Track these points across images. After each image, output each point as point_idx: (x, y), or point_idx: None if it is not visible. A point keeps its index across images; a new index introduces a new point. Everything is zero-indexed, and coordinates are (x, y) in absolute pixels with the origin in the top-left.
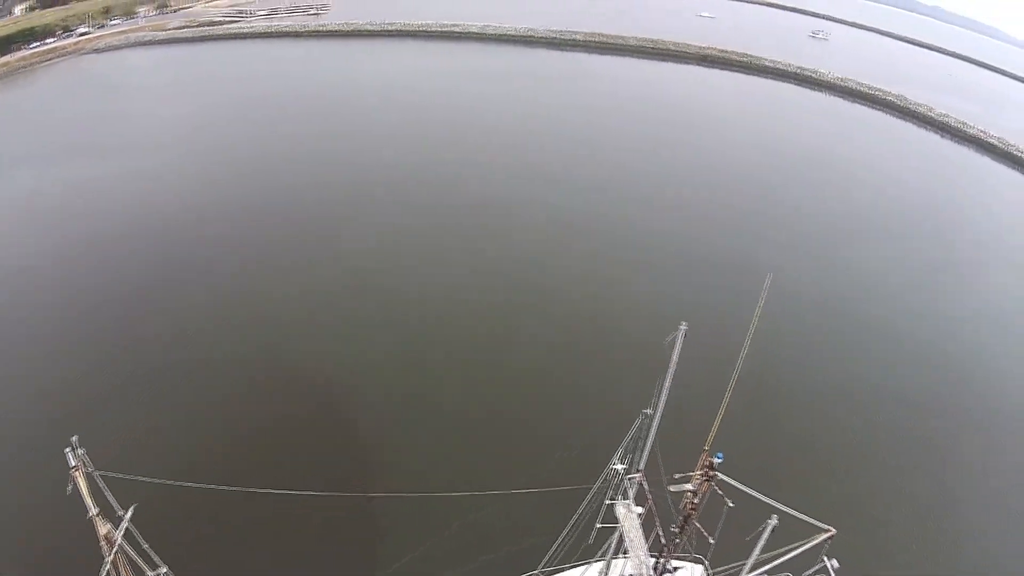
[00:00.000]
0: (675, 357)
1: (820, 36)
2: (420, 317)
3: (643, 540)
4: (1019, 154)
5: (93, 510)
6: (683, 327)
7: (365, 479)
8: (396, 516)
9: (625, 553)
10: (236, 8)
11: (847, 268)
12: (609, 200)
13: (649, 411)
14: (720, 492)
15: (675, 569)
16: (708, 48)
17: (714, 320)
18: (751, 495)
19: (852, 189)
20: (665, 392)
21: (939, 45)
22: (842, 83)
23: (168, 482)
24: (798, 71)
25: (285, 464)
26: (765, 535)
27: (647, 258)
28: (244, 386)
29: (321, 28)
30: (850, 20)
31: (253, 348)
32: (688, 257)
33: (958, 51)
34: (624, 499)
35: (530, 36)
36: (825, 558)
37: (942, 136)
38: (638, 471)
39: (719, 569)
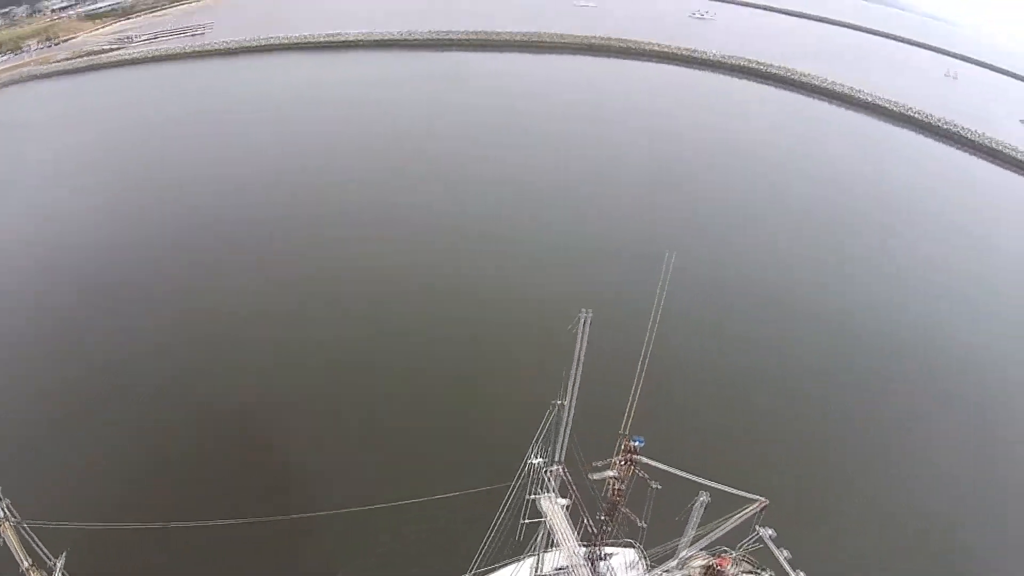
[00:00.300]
0: (580, 345)
1: (702, 15)
2: (326, 336)
3: (572, 531)
4: (913, 115)
5: (25, 563)
6: (583, 314)
7: (292, 501)
8: (325, 534)
9: (555, 546)
10: (120, 35)
11: (747, 245)
12: (505, 198)
13: (560, 401)
14: (644, 475)
15: (608, 556)
16: (590, 37)
17: (620, 305)
18: (677, 475)
19: (746, 164)
20: (574, 381)
21: (827, 16)
22: (726, 60)
23: (95, 526)
24: (682, 52)
25: (210, 495)
26: (697, 511)
27: (546, 251)
28: (161, 421)
29: (205, 48)
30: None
31: (165, 382)
32: (588, 247)
33: (847, 20)
34: (547, 492)
35: (409, 39)
36: (759, 527)
37: (831, 103)
38: (557, 463)
39: (654, 550)
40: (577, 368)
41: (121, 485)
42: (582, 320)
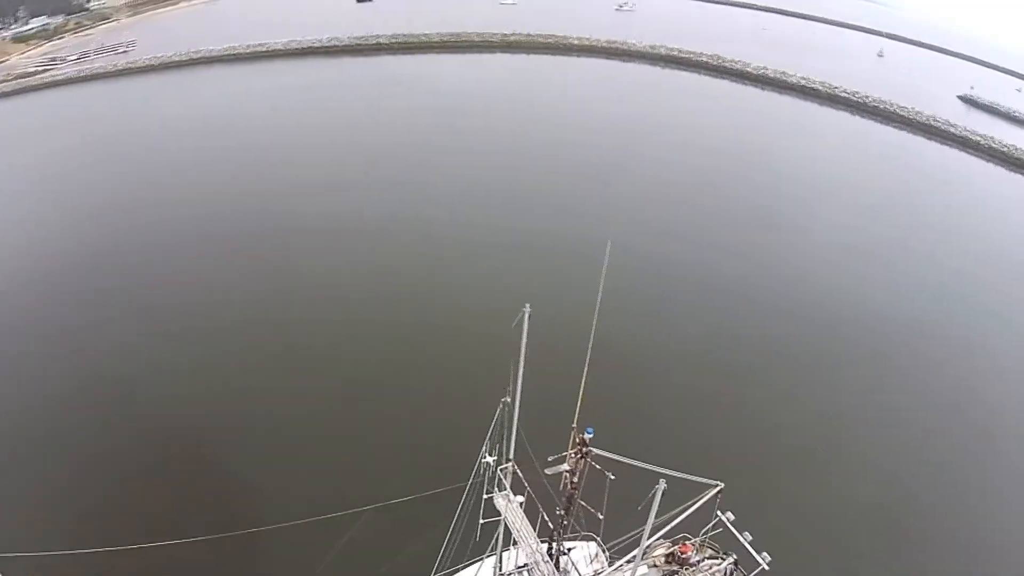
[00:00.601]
0: (523, 340)
1: (626, 8)
2: (263, 342)
3: (530, 528)
4: (843, 95)
5: None
6: (525, 309)
7: (237, 517)
8: (273, 550)
9: (515, 544)
10: (48, 56)
11: (685, 230)
12: (437, 199)
13: (508, 399)
14: (599, 467)
15: (569, 550)
16: (512, 35)
17: (563, 297)
18: (632, 465)
19: (679, 151)
20: (519, 377)
21: (756, 3)
22: (653, 50)
23: (29, 554)
24: (606, 45)
25: (156, 513)
26: (655, 500)
27: (484, 249)
28: (99, 441)
29: (132, 65)
30: None
31: (103, 400)
32: (526, 242)
33: (777, 6)
34: (501, 491)
35: (334, 46)
36: (719, 512)
37: (762, 89)
38: (509, 460)
39: (614, 542)
40: (521, 363)
41: (60, 516)
42: (525, 314)
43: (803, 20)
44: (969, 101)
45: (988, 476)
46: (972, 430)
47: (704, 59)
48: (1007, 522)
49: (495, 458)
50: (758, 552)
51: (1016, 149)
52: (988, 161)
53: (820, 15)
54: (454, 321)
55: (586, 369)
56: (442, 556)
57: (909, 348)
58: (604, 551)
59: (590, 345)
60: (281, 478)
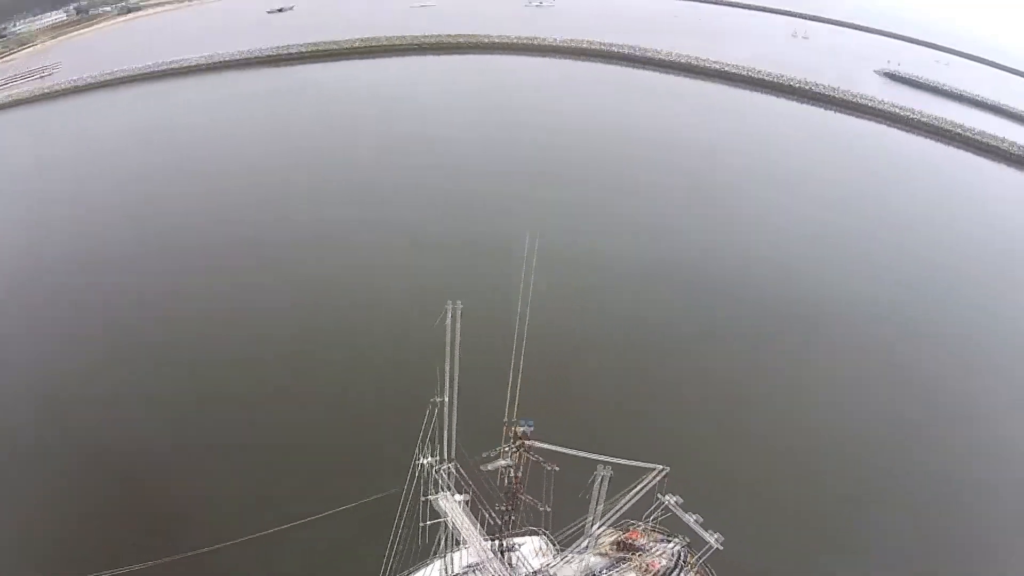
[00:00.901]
0: (451, 337)
1: (544, 4)
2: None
3: (476, 527)
4: (763, 77)
5: None
6: (450, 305)
7: (170, 542)
8: (215, 572)
9: (462, 544)
10: None
11: (607, 219)
12: (363, 201)
13: (440, 398)
14: (539, 459)
15: (517, 546)
16: (426, 36)
17: (490, 292)
18: (573, 454)
19: (597, 142)
20: (448, 375)
21: None
22: (569, 45)
23: None
24: (522, 42)
25: (80, 543)
26: (598, 487)
27: (407, 250)
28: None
29: (54, 89)
30: None
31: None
32: (450, 240)
33: None
34: (442, 491)
35: (249, 59)
36: (660, 495)
37: (680, 75)
38: (447, 460)
39: (562, 533)
40: (452, 361)
41: None
42: (450, 312)
43: (721, 6)
44: (890, 76)
45: (938, 452)
46: (919, 405)
47: (619, 50)
48: (954, 489)
49: (432, 459)
50: (711, 533)
51: (937, 119)
52: (910, 132)
53: (737, 0)
54: (370, 324)
55: (514, 361)
56: (387, 565)
57: (842, 318)
58: (553, 543)
59: (521, 335)
60: (207, 500)
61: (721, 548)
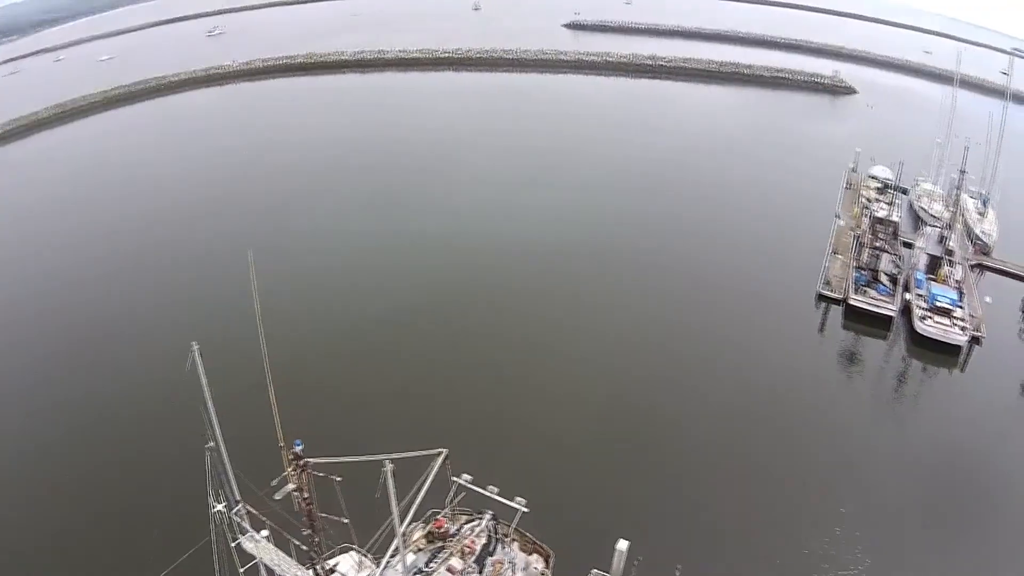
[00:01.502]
0: (203, 379)
1: (215, 32)
2: None
3: (288, 559)
4: (446, 56)
5: None
6: (193, 348)
7: None
8: None
9: None
10: None
11: (322, 220)
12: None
13: (212, 444)
14: (322, 474)
15: (334, 567)
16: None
17: (230, 319)
18: (354, 460)
19: (296, 152)
20: (212, 418)
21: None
22: (249, 67)
23: None
24: (203, 74)
25: None
26: (389, 484)
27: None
28: None
29: None
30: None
31: None
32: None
33: None
34: (243, 534)
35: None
36: (454, 477)
37: (360, 73)
38: (238, 502)
39: (372, 541)
40: (210, 404)
41: None
42: (195, 353)
43: None
44: (576, 26)
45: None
46: (697, 344)
47: (305, 60)
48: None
49: (224, 504)
50: (512, 499)
51: (626, 56)
52: (600, 75)
53: None
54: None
55: (270, 383)
56: None
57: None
58: (365, 555)
59: (266, 356)
60: None
61: (527, 511)
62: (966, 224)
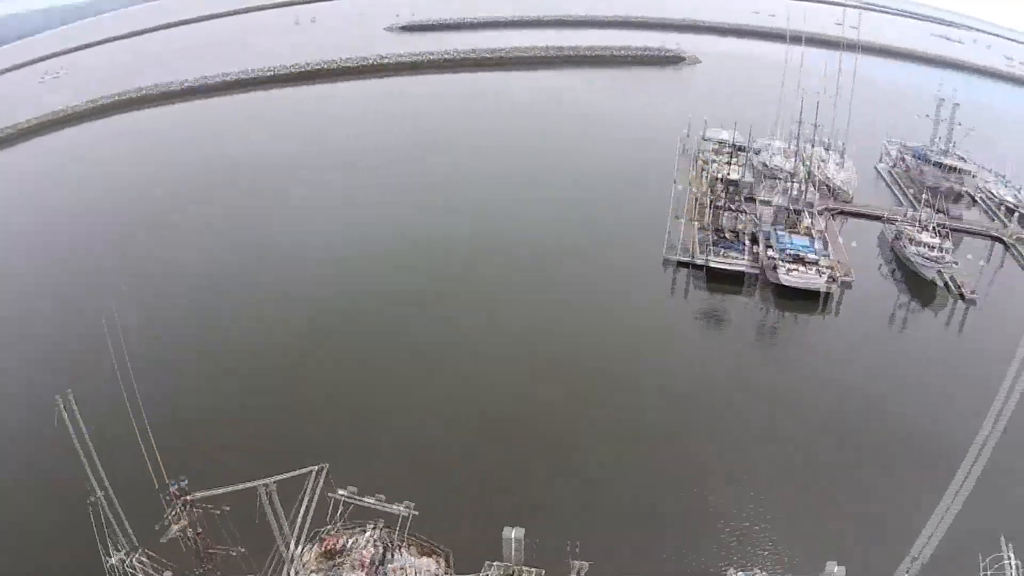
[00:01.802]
0: (75, 430)
1: (52, 77)
2: None
3: None
4: (279, 72)
5: None
6: (58, 400)
7: None
8: None
9: None
10: None
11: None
12: None
13: (95, 496)
14: (208, 507)
15: None
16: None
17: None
18: (235, 490)
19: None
20: (93, 469)
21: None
22: (86, 107)
23: None
24: (50, 118)
25: None
26: (268, 508)
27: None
28: None
29: None
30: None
31: None
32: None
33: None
34: None
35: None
36: (334, 492)
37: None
38: (133, 550)
39: (266, 568)
40: (93, 454)
41: None
42: (61, 406)
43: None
44: (399, 29)
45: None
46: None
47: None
48: None
49: (120, 555)
50: (398, 504)
51: (447, 53)
52: (428, 74)
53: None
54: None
55: (137, 427)
56: None
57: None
58: None
59: (129, 392)
60: None
61: (416, 513)
62: (825, 176)
